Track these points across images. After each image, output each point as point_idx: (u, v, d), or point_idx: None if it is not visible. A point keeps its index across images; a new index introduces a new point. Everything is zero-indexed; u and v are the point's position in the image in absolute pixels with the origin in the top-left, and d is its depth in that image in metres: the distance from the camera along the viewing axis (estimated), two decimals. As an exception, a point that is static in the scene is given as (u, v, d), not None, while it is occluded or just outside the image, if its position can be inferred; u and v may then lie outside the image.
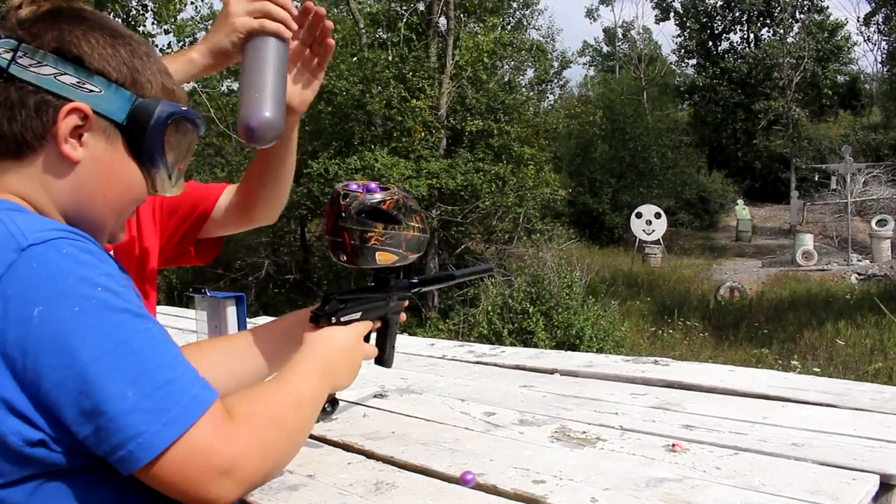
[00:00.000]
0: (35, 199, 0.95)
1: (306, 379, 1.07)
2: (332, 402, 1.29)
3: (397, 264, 1.28)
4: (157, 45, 13.61)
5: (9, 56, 0.93)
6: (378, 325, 1.34)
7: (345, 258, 1.23)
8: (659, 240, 20.47)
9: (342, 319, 1.23)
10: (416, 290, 1.42)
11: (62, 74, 0.93)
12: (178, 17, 14.06)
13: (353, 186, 1.24)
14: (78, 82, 0.94)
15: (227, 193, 1.67)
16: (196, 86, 13.22)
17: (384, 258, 1.24)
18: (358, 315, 1.25)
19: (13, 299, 0.80)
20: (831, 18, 33.66)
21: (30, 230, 0.84)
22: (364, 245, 1.21)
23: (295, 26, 1.29)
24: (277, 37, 1.25)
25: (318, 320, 1.22)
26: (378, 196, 1.22)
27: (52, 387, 0.79)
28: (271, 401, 0.97)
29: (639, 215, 20.16)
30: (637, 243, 20.60)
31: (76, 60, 0.94)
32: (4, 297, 0.80)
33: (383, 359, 1.39)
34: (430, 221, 14.86)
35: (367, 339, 1.29)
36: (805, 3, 32.38)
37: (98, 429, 0.80)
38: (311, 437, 1.45)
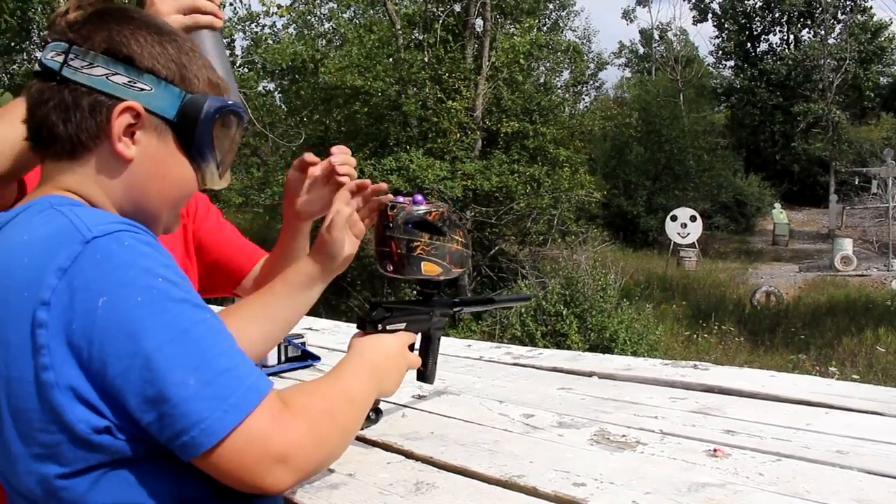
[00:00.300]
0: (91, 196, 0.98)
1: (357, 378, 1.09)
2: (377, 410, 1.31)
3: (441, 277, 1.30)
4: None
5: (61, 59, 0.95)
6: (419, 338, 1.36)
7: (391, 268, 1.26)
8: (694, 243, 20.27)
9: (388, 328, 1.25)
10: (457, 309, 1.45)
11: (114, 74, 0.95)
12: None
13: (401, 199, 1.27)
14: (129, 81, 0.96)
15: (259, 265, 1.69)
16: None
17: (429, 269, 1.26)
18: (402, 326, 1.27)
19: (79, 290, 0.82)
20: (875, 19, 33.09)
21: (93, 223, 0.86)
22: (410, 254, 1.24)
23: (222, 15, 1.34)
24: (211, 27, 1.30)
25: (365, 326, 1.25)
26: (424, 207, 1.25)
27: (117, 375, 0.81)
28: (326, 395, 0.99)
29: (674, 218, 19.98)
30: (672, 246, 20.42)
31: (126, 60, 0.96)
32: (71, 288, 0.82)
33: (425, 374, 1.41)
34: (465, 222, 14.85)
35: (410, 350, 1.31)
36: (847, 3, 31.88)
37: (162, 415, 0.81)
38: (362, 427, 1.45)
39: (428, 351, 1.41)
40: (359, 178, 1.29)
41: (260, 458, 0.85)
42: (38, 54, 0.99)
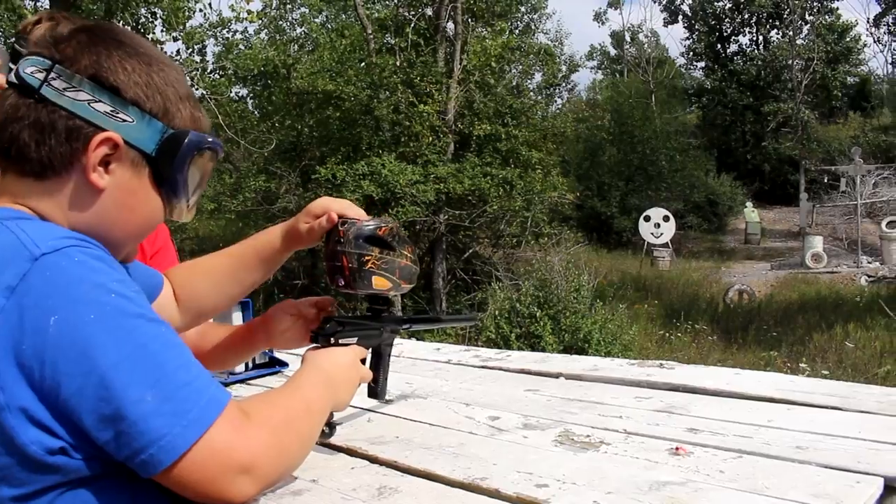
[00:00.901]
0: (52, 218, 0.94)
1: (314, 389, 1.09)
2: (330, 424, 1.33)
3: (391, 292, 1.33)
4: (165, 53, 13.67)
5: (41, 76, 0.92)
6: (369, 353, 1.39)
7: (342, 282, 1.27)
8: (667, 243, 20.43)
9: (340, 341, 1.28)
10: (406, 326, 1.48)
11: (97, 102, 0.92)
12: (187, 25, 14.11)
13: (350, 216, 1.30)
14: (112, 111, 0.93)
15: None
16: (204, 92, 13.27)
17: (380, 283, 1.29)
18: (354, 340, 1.30)
19: (28, 309, 0.80)
20: (841, 20, 33.58)
21: (41, 239, 0.84)
22: (362, 268, 1.26)
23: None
24: None
25: (317, 339, 1.28)
26: (374, 223, 1.28)
27: (72, 394, 0.80)
28: (286, 404, 0.99)
29: (647, 218, 20.13)
30: (645, 247, 20.57)
31: (112, 89, 0.93)
32: (20, 307, 0.80)
33: (376, 390, 1.44)
34: (437, 226, 14.87)
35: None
36: (815, 4, 32.31)
37: (119, 433, 0.80)
38: (317, 441, 1.45)
39: (379, 366, 1.42)
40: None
41: (223, 469, 0.84)
42: (12, 65, 0.95)
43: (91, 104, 0.92)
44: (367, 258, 1.26)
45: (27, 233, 0.85)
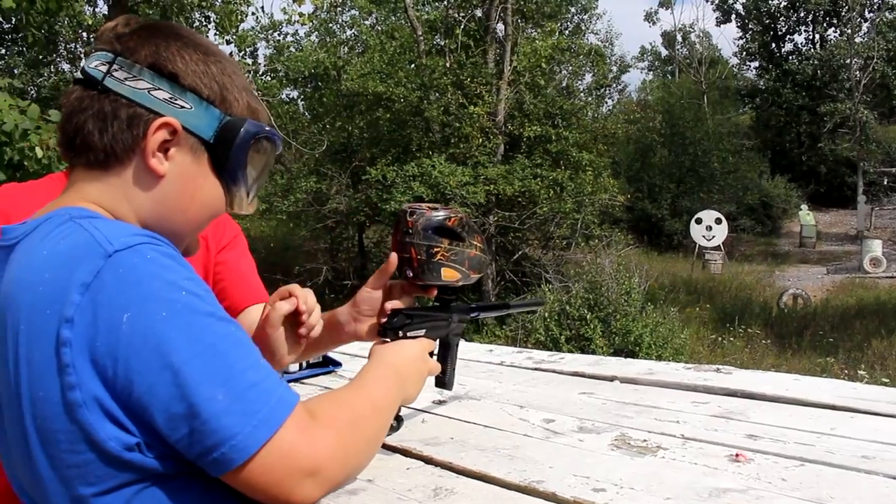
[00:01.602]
0: (116, 208, 0.97)
1: (381, 386, 1.09)
2: (398, 418, 1.32)
3: (460, 283, 1.30)
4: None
5: (104, 69, 0.95)
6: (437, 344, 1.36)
7: (410, 274, 1.26)
8: (719, 246, 20.11)
9: (408, 334, 1.25)
10: (475, 314, 1.45)
11: (156, 89, 0.95)
12: (240, 28, 14.35)
13: (419, 206, 1.27)
14: (171, 98, 0.95)
15: (258, 309, 1.63)
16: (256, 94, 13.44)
17: (449, 274, 1.27)
18: (422, 332, 1.27)
19: (102, 306, 0.81)
20: (902, 17, 32.64)
21: (114, 236, 0.85)
22: (430, 260, 1.24)
23: None
24: None
25: (386, 333, 1.25)
26: (443, 213, 1.25)
27: (144, 392, 0.81)
28: (352, 404, 0.99)
29: (699, 221, 19.84)
30: (697, 249, 20.27)
31: (171, 77, 0.96)
32: (94, 304, 0.81)
33: (444, 380, 1.42)
34: (487, 227, 14.85)
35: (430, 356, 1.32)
36: (875, 1, 31.49)
37: (191, 431, 0.81)
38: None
39: (447, 357, 1.40)
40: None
41: (290, 472, 0.85)
42: (82, 62, 0.99)
43: (151, 92, 0.95)
44: (436, 249, 1.24)
45: (100, 230, 0.86)
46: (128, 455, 0.83)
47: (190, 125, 0.97)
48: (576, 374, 2.05)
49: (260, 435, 0.83)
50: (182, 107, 0.96)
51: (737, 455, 1.30)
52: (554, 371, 2.09)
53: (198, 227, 1.05)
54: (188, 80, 0.97)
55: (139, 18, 1.00)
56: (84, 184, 0.97)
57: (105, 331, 0.80)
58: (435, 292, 1.34)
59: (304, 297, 1.28)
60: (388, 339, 1.25)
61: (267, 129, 1.03)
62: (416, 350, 1.23)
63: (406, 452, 1.42)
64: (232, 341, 0.86)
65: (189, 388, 0.81)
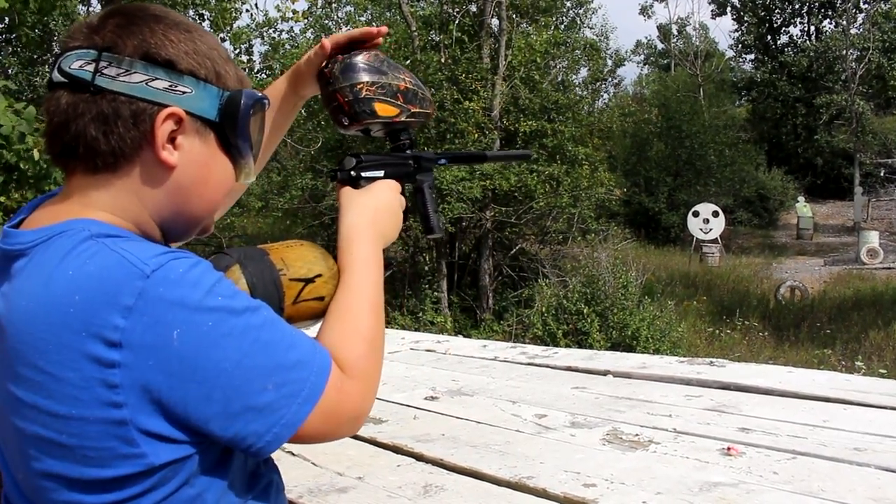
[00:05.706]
0: (129, 211, 0.95)
1: (371, 277, 1.07)
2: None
3: (402, 117, 1.25)
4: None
5: (91, 67, 0.91)
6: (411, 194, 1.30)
7: (346, 121, 1.21)
8: (717, 239, 20.12)
9: (364, 175, 1.20)
10: (441, 161, 1.37)
11: (153, 80, 0.92)
12: (234, 25, 14.31)
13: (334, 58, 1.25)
14: (170, 85, 0.92)
15: None
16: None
17: (383, 109, 1.22)
18: (381, 174, 1.22)
19: (150, 326, 0.80)
20: (898, 8, 32.60)
21: (145, 256, 0.84)
22: (358, 98, 1.20)
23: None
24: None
25: (337, 176, 1.21)
26: (356, 53, 1.23)
27: (202, 401, 0.83)
28: (361, 325, 1.01)
29: (696, 214, 19.85)
30: (694, 242, 20.29)
31: (166, 64, 0.93)
32: (142, 326, 0.80)
33: (430, 226, 1.33)
34: (484, 223, 14.84)
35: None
36: (870, -8, 31.49)
37: (246, 423, 0.85)
38: (362, 439, 1.45)
39: (425, 202, 1.32)
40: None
41: (335, 426, 0.93)
42: (58, 62, 0.93)
43: (148, 83, 0.91)
44: (359, 86, 1.20)
45: (130, 251, 0.85)
46: (169, 471, 0.85)
47: (194, 109, 0.94)
48: (569, 368, 2.04)
49: (305, 410, 0.88)
50: (183, 92, 0.93)
51: (728, 448, 1.29)
52: (547, 366, 2.09)
53: (215, 207, 1.03)
54: (184, 64, 0.93)
55: (106, 9, 0.97)
56: (90, 190, 0.94)
57: (155, 350, 0.81)
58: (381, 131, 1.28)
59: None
60: (342, 184, 1.20)
61: (259, 94, 1.02)
62: (384, 189, 1.19)
63: (397, 449, 1.42)
64: (269, 328, 0.88)
65: (241, 389, 0.84)
